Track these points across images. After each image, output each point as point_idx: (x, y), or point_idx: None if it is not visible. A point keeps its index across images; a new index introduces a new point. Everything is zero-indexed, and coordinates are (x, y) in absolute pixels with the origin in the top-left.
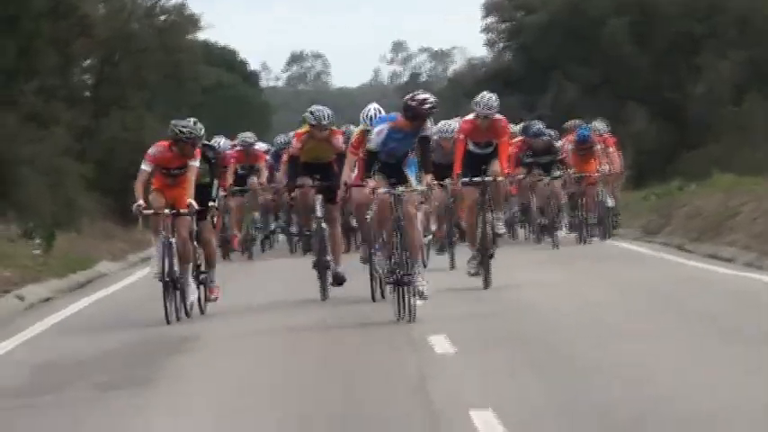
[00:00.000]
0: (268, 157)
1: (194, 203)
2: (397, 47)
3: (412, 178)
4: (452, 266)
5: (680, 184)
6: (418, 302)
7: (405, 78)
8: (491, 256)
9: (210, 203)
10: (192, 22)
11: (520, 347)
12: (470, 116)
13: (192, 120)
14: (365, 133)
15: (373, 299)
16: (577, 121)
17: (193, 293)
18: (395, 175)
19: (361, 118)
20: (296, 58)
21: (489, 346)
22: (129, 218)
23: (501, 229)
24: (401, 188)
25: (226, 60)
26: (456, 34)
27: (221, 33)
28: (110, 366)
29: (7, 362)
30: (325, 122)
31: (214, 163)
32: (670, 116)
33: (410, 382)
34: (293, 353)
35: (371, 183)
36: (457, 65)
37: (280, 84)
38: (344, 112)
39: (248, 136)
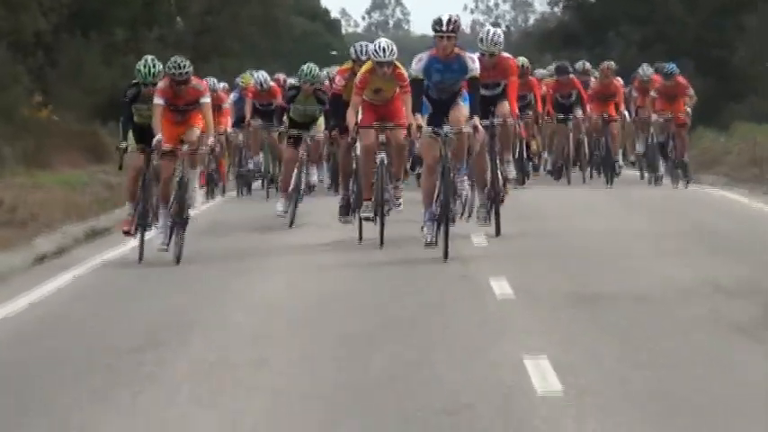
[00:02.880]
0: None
1: (215, 143)
2: None
3: (465, 105)
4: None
5: (702, 130)
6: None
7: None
8: (501, 201)
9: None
10: None
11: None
12: (476, 54)
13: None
14: (373, 71)
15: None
16: (609, 63)
17: (199, 198)
18: (446, 113)
19: (371, 50)
20: (377, 6)
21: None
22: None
23: (511, 173)
24: (447, 128)
25: (309, 8)
26: None
27: None
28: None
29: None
30: (363, 57)
31: None
32: (715, 72)
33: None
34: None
35: (418, 119)
36: (537, 15)
37: (359, 30)
38: None
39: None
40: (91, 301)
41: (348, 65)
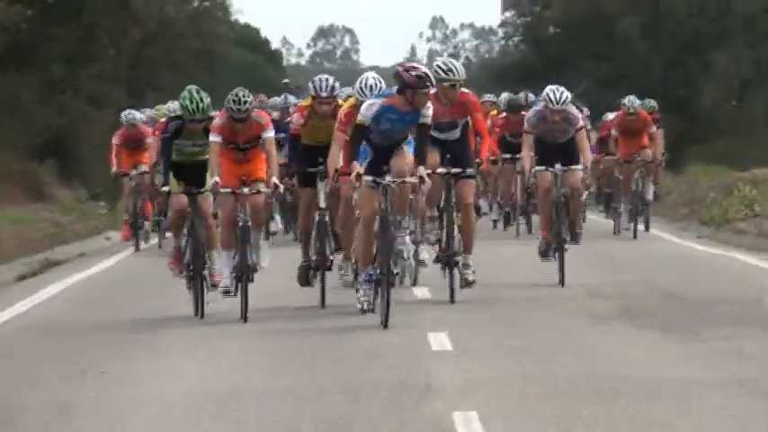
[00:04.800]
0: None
1: (279, 183)
2: (436, 22)
3: (410, 152)
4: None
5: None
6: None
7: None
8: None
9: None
10: (223, 9)
11: None
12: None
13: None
14: (358, 108)
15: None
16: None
17: (265, 258)
18: (387, 161)
19: (356, 88)
20: (322, 33)
21: None
22: None
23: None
24: (389, 178)
25: (249, 39)
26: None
27: (243, 8)
28: None
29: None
30: (324, 94)
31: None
32: (679, 111)
33: None
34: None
35: (356, 167)
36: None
37: (302, 62)
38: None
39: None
40: (89, 306)
41: (307, 101)
